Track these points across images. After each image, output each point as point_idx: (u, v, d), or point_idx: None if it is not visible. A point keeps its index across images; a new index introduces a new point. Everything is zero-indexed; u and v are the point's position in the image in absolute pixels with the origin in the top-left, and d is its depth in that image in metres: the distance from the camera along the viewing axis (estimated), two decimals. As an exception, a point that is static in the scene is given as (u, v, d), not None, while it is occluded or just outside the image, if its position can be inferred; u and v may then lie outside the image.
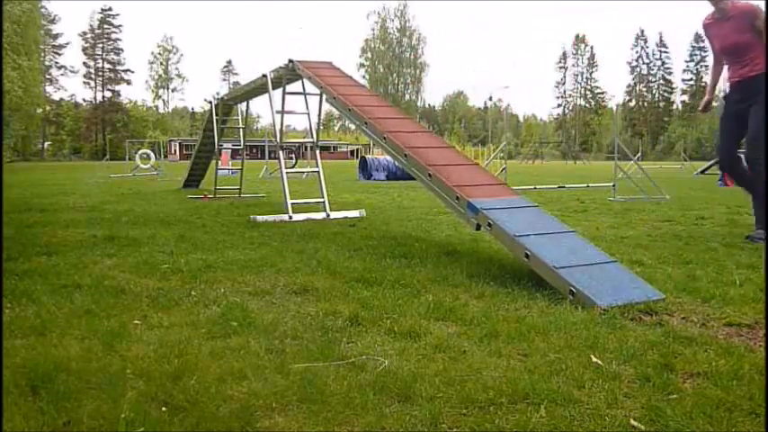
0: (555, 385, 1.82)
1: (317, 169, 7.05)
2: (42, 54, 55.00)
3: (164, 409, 1.67)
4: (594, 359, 2.05)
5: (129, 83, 74.19)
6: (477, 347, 2.20)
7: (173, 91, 74.56)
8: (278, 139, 7.43)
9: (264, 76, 7.21)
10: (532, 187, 11.11)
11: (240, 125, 9.89)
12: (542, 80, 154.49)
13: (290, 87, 7.07)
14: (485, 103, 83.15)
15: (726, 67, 4.79)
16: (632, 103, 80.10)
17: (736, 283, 3.11)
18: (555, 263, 2.99)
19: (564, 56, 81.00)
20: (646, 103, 79.65)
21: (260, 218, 6.03)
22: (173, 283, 3.22)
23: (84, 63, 67.64)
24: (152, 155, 23.72)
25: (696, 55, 76.24)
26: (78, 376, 1.87)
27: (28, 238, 4.64)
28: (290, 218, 6.15)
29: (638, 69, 79.66)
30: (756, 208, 4.67)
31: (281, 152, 7.21)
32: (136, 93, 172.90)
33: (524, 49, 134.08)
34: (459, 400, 1.74)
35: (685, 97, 77.82)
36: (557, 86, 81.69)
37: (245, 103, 9.46)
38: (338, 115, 66.42)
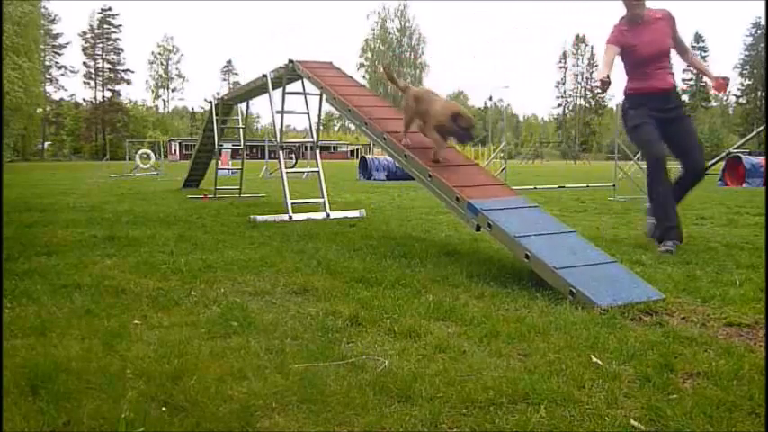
0: (555, 385, 1.82)
1: (317, 169, 7.05)
2: (42, 54, 55.03)
3: (164, 409, 1.67)
4: (594, 359, 2.05)
5: (129, 83, 74.12)
6: (477, 347, 2.20)
7: (173, 91, 74.65)
8: (278, 139, 7.43)
9: (264, 76, 7.20)
10: (532, 187, 11.10)
11: (240, 125, 9.89)
12: (542, 80, 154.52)
13: (290, 87, 7.07)
14: (485, 103, 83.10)
15: (629, 74, 4.41)
16: (632, 103, 80.00)
17: (736, 283, 3.11)
18: (555, 263, 2.99)
19: (564, 56, 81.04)
20: (646, 103, 79.60)
21: (260, 218, 6.03)
22: (173, 283, 3.22)
23: (84, 63, 67.65)
24: (152, 155, 23.73)
25: (695, 55, 76.23)
26: (78, 376, 1.87)
27: (28, 238, 4.64)
28: (290, 218, 6.15)
29: (638, 69, 79.63)
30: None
31: (281, 152, 7.21)
32: (136, 93, 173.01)
33: (524, 49, 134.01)
34: (460, 400, 1.74)
35: (685, 97, 77.88)
36: (557, 86, 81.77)
37: (245, 103, 9.46)
38: (338, 115, 66.40)
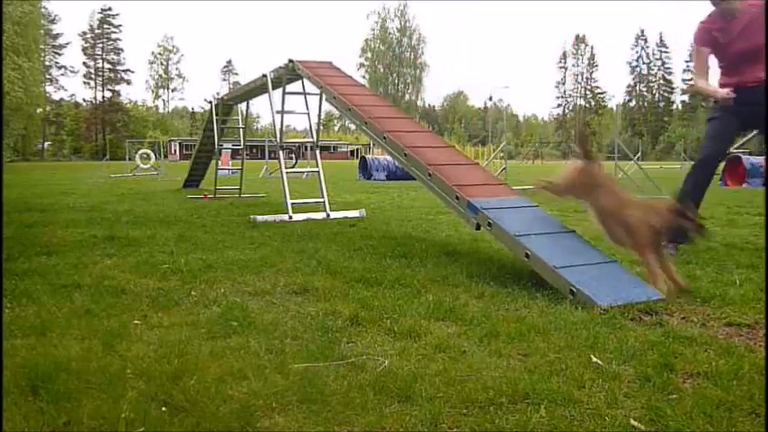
0: (555, 385, 1.82)
1: (316, 169, 7.05)
2: (42, 54, 55.04)
3: (164, 409, 1.67)
4: (594, 359, 2.05)
5: (129, 83, 74.25)
6: (477, 347, 2.20)
7: (173, 91, 74.67)
8: (278, 139, 7.43)
9: (264, 76, 7.21)
10: (532, 187, 11.11)
11: (240, 125, 9.89)
12: (542, 80, 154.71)
13: (290, 87, 7.07)
14: (485, 103, 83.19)
15: (720, 68, 4.14)
16: (632, 103, 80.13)
17: (736, 283, 3.11)
18: (555, 262, 2.99)
19: (564, 56, 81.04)
20: (646, 103, 79.68)
21: (260, 218, 6.03)
22: (173, 283, 3.22)
23: (84, 63, 67.69)
24: (152, 155, 23.73)
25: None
26: (78, 376, 1.87)
27: (28, 238, 4.64)
28: (290, 218, 6.15)
29: (638, 69, 79.73)
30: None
31: (281, 152, 7.21)
32: (136, 93, 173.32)
33: (524, 49, 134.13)
34: (460, 400, 1.74)
35: (685, 97, 77.81)
36: (557, 86, 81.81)
37: (245, 103, 9.46)
38: (338, 115, 66.48)
